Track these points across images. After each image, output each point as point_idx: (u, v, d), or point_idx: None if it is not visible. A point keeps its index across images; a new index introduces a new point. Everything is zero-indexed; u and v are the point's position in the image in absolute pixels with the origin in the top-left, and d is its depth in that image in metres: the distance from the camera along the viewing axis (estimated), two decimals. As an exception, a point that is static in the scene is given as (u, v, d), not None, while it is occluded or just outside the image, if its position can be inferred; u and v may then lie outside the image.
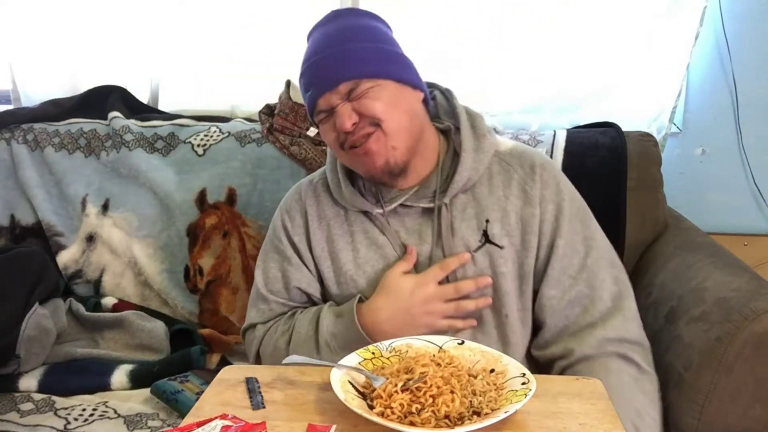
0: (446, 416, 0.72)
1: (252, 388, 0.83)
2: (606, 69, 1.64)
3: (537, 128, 1.63)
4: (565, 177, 1.09)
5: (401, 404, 0.73)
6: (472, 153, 1.04)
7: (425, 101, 1.06)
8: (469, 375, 0.79)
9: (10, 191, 1.75)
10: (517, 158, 1.07)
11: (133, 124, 1.73)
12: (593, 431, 0.72)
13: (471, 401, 0.74)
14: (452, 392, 0.74)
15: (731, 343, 0.94)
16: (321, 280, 1.12)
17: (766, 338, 0.93)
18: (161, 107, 1.89)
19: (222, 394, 0.82)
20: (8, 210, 1.74)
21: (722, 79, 1.67)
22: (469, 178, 1.04)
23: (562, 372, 0.99)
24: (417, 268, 1.04)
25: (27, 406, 1.28)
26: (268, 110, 1.67)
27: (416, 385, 0.74)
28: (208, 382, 0.94)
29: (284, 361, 0.84)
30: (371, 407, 0.74)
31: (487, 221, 1.03)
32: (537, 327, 1.06)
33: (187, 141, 1.67)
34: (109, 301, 1.62)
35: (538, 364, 1.05)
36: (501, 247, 1.02)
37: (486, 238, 1.03)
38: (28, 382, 1.35)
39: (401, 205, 1.06)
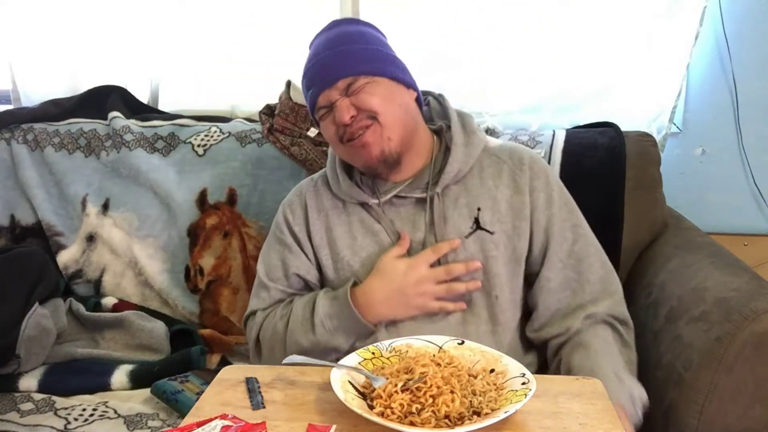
0: (446, 416, 0.72)
1: (252, 388, 0.83)
2: (606, 69, 1.64)
3: (537, 128, 1.63)
4: (553, 171, 1.15)
5: (401, 404, 0.73)
6: (462, 147, 1.11)
7: (418, 102, 1.14)
8: (469, 375, 0.79)
9: (10, 191, 1.75)
10: (507, 152, 1.14)
11: (133, 124, 1.73)
12: (593, 431, 0.72)
13: (471, 401, 0.74)
14: (452, 392, 0.74)
15: (731, 343, 0.94)
16: (319, 269, 1.17)
17: (766, 338, 0.93)
18: (161, 107, 1.89)
19: (222, 394, 0.82)
20: (8, 210, 1.74)
21: (722, 79, 1.67)
22: (459, 170, 1.10)
23: (557, 349, 1.05)
24: (410, 255, 1.09)
25: (27, 406, 1.28)
26: (269, 110, 1.67)
27: (416, 385, 0.75)
28: (208, 382, 0.94)
29: (284, 361, 0.84)
30: (371, 407, 0.75)
31: (479, 209, 1.09)
32: (530, 310, 1.11)
33: (187, 141, 1.67)
34: (109, 301, 1.62)
35: (531, 345, 1.11)
36: (491, 233, 1.08)
37: (477, 225, 1.08)
38: (28, 382, 1.35)
39: (396, 196, 1.11)
